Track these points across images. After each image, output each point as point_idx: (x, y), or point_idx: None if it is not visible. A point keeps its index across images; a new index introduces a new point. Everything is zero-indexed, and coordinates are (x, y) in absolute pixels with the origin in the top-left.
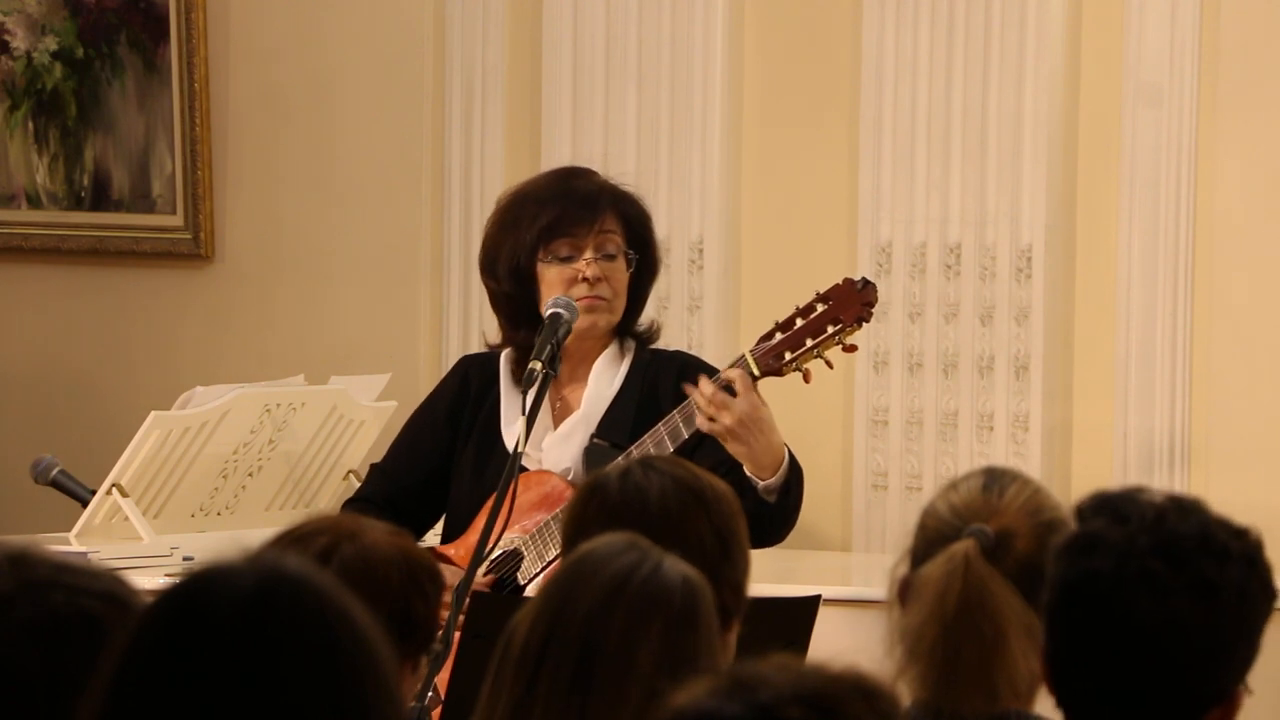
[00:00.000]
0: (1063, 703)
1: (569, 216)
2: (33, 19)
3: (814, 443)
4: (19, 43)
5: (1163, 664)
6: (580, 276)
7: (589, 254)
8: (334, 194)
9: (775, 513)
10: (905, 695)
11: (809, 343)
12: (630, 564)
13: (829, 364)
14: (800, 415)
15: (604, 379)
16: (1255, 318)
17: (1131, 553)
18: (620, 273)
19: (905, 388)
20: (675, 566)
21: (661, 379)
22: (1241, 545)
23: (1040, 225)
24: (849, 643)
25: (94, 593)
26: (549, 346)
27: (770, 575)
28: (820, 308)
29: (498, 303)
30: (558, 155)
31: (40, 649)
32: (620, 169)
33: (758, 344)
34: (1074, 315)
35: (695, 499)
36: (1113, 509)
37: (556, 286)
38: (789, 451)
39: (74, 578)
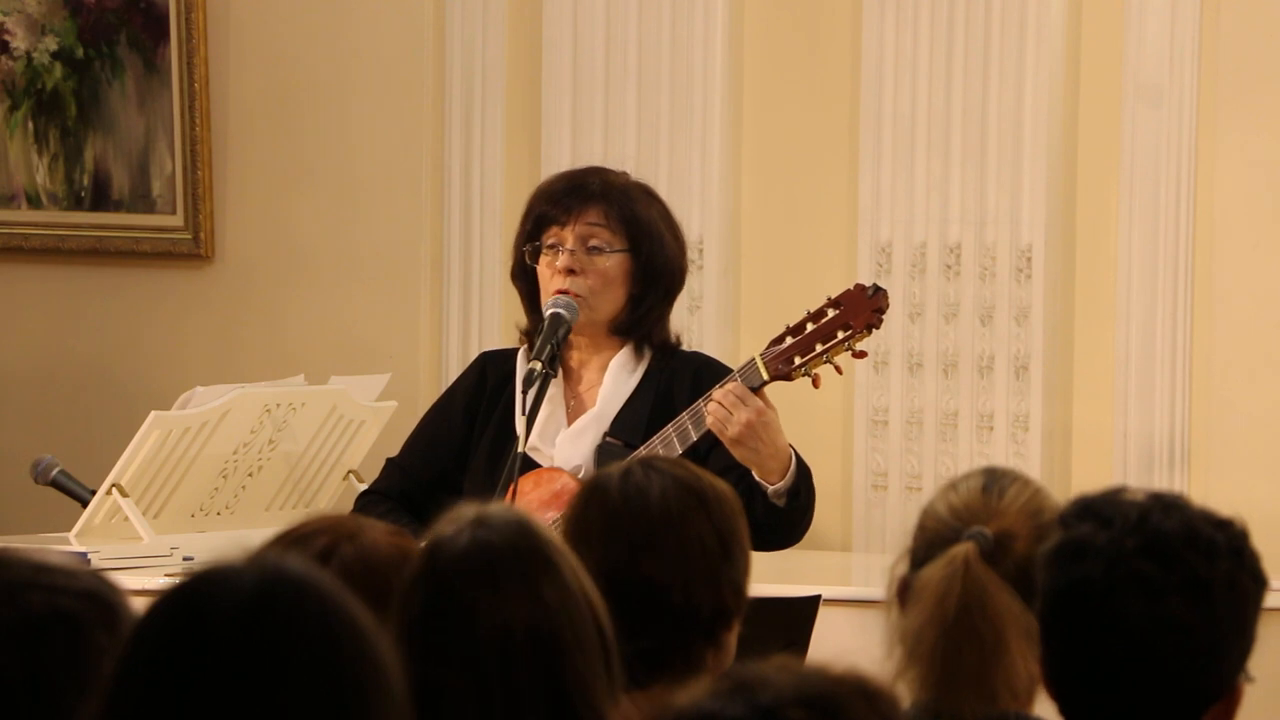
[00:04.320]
0: (1064, 709)
1: (554, 206)
2: (33, 19)
3: (814, 443)
4: (19, 43)
5: (1160, 665)
6: (555, 267)
7: (569, 245)
8: (334, 194)
9: (786, 516)
10: (904, 696)
11: (819, 348)
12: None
13: (838, 369)
14: (800, 415)
15: (620, 378)
16: (1255, 318)
17: (1119, 556)
18: (605, 268)
19: (905, 388)
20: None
21: (677, 379)
22: (1227, 537)
23: (1040, 225)
24: (849, 643)
25: (72, 592)
26: (549, 346)
27: (770, 575)
28: (831, 313)
29: (520, 298)
30: (558, 155)
31: (19, 650)
32: (620, 169)
33: (768, 347)
34: (1074, 315)
35: (696, 499)
36: (1096, 513)
37: (545, 276)
38: (795, 453)
39: (51, 578)
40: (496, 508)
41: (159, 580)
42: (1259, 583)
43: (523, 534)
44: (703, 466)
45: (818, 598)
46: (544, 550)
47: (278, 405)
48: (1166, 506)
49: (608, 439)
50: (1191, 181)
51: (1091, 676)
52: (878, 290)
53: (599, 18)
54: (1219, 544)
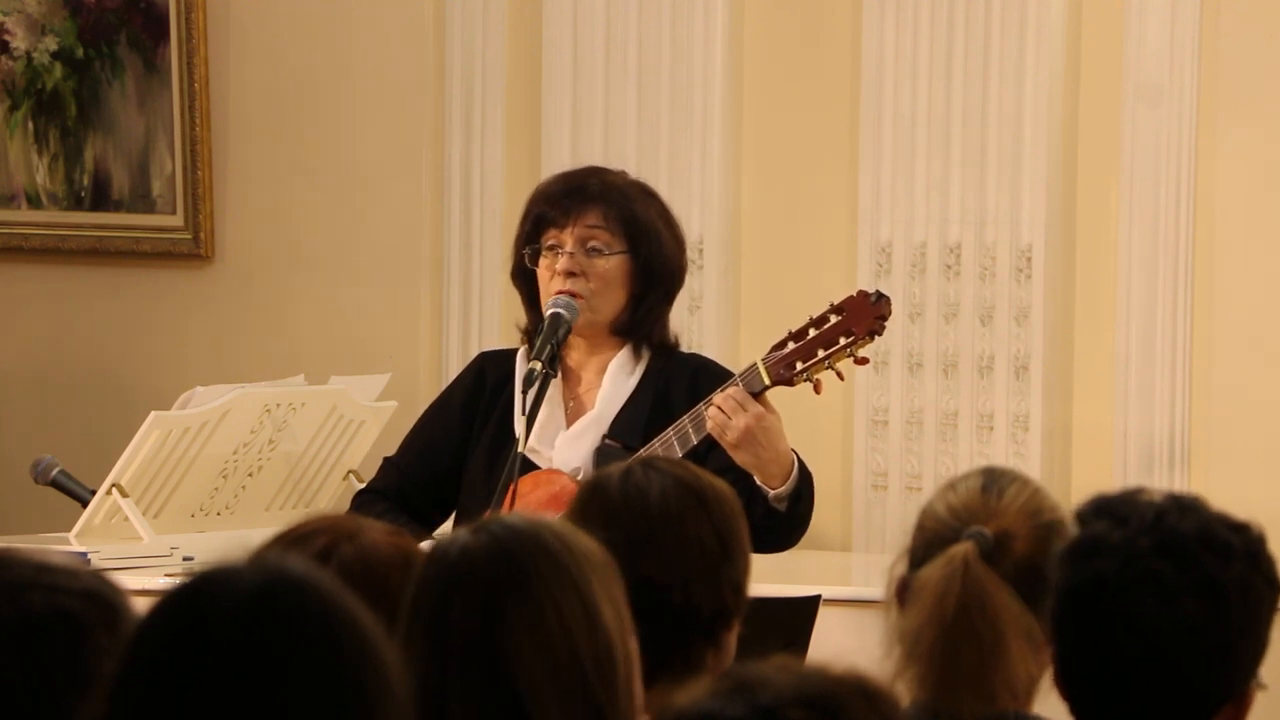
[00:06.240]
0: (1074, 707)
1: (553, 208)
2: (33, 19)
3: (814, 443)
4: (19, 43)
5: (1172, 665)
6: (555, 269)
7: (568, 247)
8: (334, 194)
9: (785, 520)
10: (904, 696)
11: (821, 354)
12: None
13: (840, 375)
14: (800, 415)
15: (619, 380)
16: (1255, 317)
17: (1134, 555)
18: (604, 269)
19: (905, 388)
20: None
21: (675, 381)
22: (1243, 540)
23: (1040, 225)
24: (849, 643)
25: (73, 591)
26: (549, 346)
27: (770, 575)
28: (834, 319)
29: (520, 297)
30: (558, 155)
31: (20, 650)
32: (620, 169)
33: (770, 352)
34: (1074, 315)
35: (696, 499)
36: (1112, 511)
37: (544, 278)
38: (798, 458)
39: (53, 578)
40: (507, 522)
41: (159, 580)
42: (1273, 587)
43: (501, 558)
44: (701, 467)
45: (818, 598)
46: (517, 576)
47: (278, 405)
48: (1183, 507)
49: (607, 441)
50: (1191, 181)
51: (1102, 675)
52: (881, 297)
53: (599, 18)
54: (1234, 546)
